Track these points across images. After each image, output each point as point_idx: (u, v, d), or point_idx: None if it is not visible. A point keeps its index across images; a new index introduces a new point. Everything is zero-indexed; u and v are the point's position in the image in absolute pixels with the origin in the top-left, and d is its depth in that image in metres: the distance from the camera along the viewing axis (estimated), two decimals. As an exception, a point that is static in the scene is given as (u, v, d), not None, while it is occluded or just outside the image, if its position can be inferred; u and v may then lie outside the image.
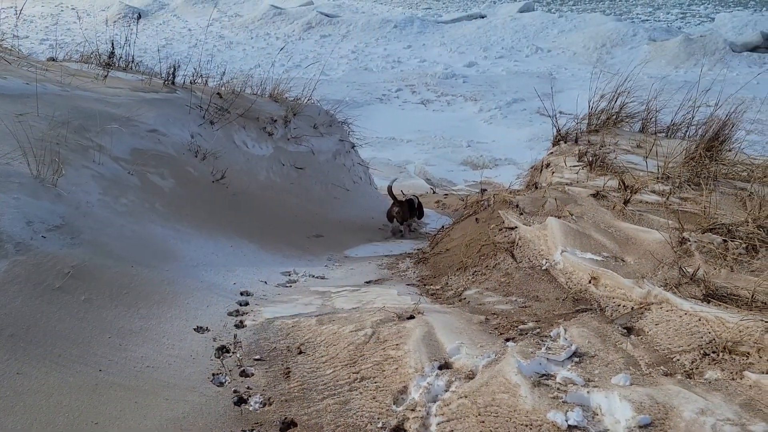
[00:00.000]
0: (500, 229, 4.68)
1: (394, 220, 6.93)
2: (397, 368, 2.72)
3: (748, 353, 2.57)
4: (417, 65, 23.02)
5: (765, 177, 4.92)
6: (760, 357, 2.52)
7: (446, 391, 2.49)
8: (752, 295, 3.02)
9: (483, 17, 30.10)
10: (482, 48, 25.69)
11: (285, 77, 8.28)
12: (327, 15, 30.63)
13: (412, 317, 3.23)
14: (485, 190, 6.91)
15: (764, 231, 3.72)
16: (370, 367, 2.77)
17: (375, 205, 7.79)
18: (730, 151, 5.86)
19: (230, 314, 3.53)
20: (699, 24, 28.63)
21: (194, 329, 3.29)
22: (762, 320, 2.71)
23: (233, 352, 3.10)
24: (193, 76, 7.08)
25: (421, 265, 4.91)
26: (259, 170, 6.28)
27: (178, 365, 2.92)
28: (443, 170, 12.70)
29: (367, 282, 4.45)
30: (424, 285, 4.32)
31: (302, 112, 7.60)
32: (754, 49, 21.19)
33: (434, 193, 10.31)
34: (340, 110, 8.68)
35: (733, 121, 5.91)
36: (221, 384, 2.81)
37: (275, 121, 6.99)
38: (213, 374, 2.89)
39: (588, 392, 2.34)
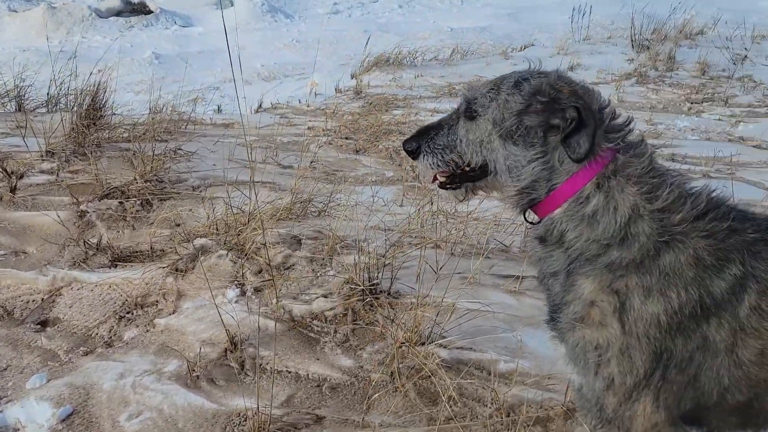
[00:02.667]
0: None
1: None
2: None
3: (157, 301, 2.76)
4: None
5: (145, 134, 5.26)
6: (167, 300, 2.73)
7: None
8: (151, 246, 3.22)
9: None
10: None
11: None
12: None
13: None
14: None
15: (152, 184, 4.01)
16: None
17: None
18: (112, 114, 6.03)
19: None
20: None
21: None
22: (161, 267, 2.93)
23: None
24: None
25: None
26: None
27: None
28: None
29: None
30: None
31: None
32: (119, 13, 22.16)
33: None
34: None
35: (106, 86, 6.05)
36: None
37: None
38: None
39: (1, 411, 2.08)
